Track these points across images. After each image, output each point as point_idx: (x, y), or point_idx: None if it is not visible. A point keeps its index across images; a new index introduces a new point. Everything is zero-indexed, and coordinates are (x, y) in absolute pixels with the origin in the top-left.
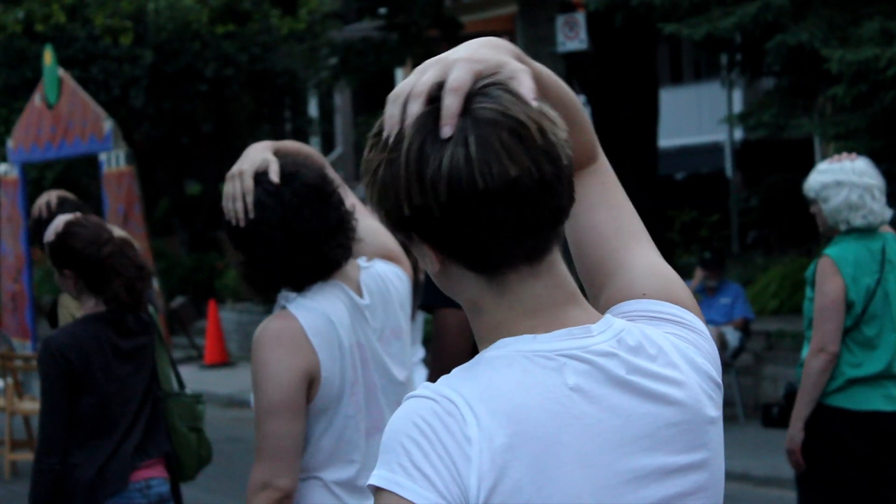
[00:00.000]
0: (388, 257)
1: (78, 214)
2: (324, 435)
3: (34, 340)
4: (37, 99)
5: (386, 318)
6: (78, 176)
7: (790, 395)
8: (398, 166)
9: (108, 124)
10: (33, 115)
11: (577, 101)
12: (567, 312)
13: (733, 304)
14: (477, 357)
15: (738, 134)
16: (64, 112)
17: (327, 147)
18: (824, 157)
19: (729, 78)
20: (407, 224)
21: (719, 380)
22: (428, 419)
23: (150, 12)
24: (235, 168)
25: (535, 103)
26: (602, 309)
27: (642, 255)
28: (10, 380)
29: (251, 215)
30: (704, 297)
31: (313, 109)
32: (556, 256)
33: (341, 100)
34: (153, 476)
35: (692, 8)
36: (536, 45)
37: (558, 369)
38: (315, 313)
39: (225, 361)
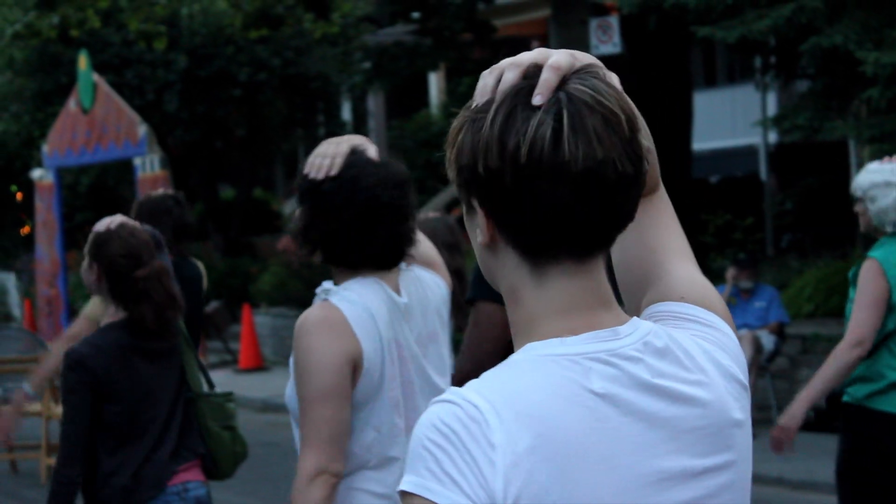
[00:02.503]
0: (429, 265)
1: (136, 225)
2: (363, 430)
3: None
4: (72, 104)
5: (424, 321)
6: (113, 181)
7: (831, 397)
8: (484, 124)
9: (142, 129)
10: (68, 119)
11: (647, 129)
12: (598, 315)
13: (768, 308)
14: (505, 361)
15: (773, 137)
16: (98, 117)
17: None
18: (859, 159)
19: (763, 80)
20: (474, 186)
21: (746, 382)
22: (452, 425)
23: (184, 17)
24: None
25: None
26: (640, 312)
27: (683, 267)
28: (46, 384)
29: (333, 172)
30: (739, 301)
31: (346, 113)
32: (601, 263)
33: (374, 104)
34: (190, 479)
35: (726, 10)
36: (569, 48)
37: (584, 373)
38: (356, 306)
39: (260, 366)
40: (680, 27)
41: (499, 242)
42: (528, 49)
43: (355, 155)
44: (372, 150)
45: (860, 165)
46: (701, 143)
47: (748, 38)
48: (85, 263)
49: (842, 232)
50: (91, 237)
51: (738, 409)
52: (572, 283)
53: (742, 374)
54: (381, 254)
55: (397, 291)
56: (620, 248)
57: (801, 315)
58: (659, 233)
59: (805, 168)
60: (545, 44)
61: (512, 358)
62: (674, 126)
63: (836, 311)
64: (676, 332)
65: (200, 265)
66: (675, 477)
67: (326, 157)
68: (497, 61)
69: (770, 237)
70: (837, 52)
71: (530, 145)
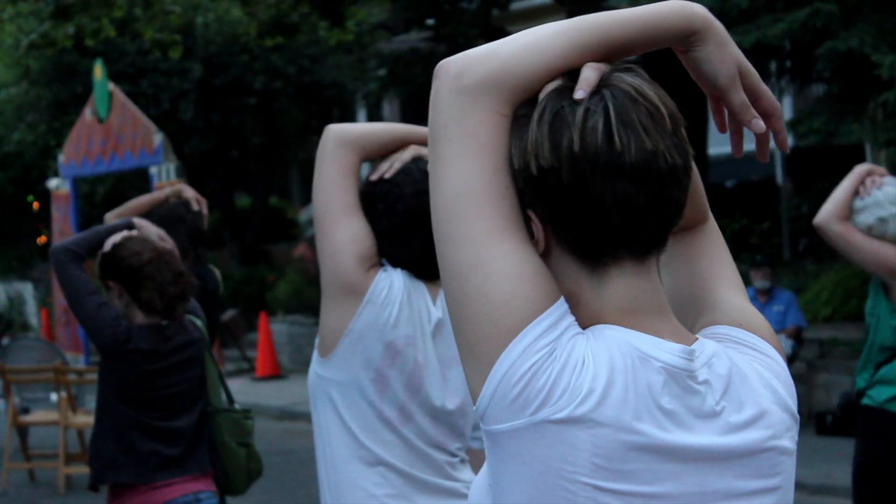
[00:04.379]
0: None
1: (134, 232)
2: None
3: (87, 354)
4: (87, 113)
5: (451, 343)
6: (129, 190)
7: (846, 404)
8: (529, 126)
9: (157, 138)
10: (84, 129)
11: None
12: (661, 323)
13: (785, 312)
14: (599, 327)
15: (789, 141)
16: (114, 126)
17: None
18: (875, 163)
19: (779, 85)
20: (526, 191)
21: (796, 413)
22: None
23: (199, 26)
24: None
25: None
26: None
27: (735, 297)
28: (63, 393)
29: (387, 176)
30: (756, 305)
31: (362, 121)
32: (655, 263)
33: (390, 111)
34: (202, 489)
35: (741, 15)
36: None
37: (661, 385)
38: (395, 275)
39: (276, 374)
40: None
41: (553, 250)
42: None
43: (415, 163)
44: None
45: None
46: (716, 147)
47: (763, 42)
48: (104, 291)
49: None
50: (99, 258)
51: (789, 438)
52: (633, 283)
53: (793, 405)
54: (414, 264)
55: (435, 302)
56: (671, 274)
57: (819, 319)
58: (711, 263)
59: (821, 172)
60: None
61: (604, 329)
62: (689, 131)
63: (853, 315)
64: (736, 355)
65: (217, 271)
66: (717, 494)
67: (389, 160)
68: None
69: (786, 241)
70: (853, 55)
71: (582, 138)
